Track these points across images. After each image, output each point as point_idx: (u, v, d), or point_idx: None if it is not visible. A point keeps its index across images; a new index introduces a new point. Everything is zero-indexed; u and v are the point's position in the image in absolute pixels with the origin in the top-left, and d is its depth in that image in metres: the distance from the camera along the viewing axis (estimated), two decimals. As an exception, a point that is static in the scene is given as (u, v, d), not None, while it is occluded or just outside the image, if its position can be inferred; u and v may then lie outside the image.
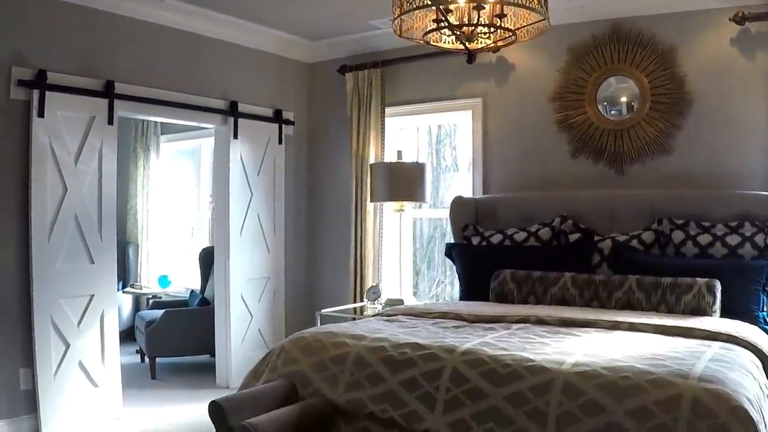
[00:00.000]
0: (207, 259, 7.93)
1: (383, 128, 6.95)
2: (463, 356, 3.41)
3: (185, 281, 9.15)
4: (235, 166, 6.78)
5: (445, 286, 7.55)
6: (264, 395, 3.54)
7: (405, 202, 6.35)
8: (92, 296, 5.64)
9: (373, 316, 4.96)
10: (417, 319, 4.52)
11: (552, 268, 5.31)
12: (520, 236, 5.76)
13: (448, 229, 6.66)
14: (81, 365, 5.56)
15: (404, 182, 6.21)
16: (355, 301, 6.91)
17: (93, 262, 5.64)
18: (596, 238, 5.49)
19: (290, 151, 7.46)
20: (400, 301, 6.22)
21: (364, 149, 6.97)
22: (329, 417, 3.56)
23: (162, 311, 7.36)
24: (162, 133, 9.38)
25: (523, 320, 4.32)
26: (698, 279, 4.67)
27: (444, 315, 4.61)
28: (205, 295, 7.73)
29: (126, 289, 8.68)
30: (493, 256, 5.69)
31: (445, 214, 7.17)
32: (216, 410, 3.35)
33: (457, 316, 4.53)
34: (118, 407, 5.82)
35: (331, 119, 7.58)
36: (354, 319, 6.00)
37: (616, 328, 4.10)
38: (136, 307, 9.08)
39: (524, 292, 5.22)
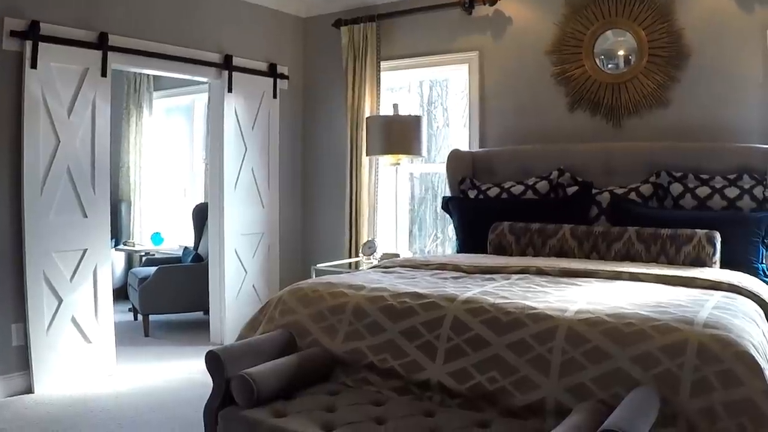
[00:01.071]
0: (200, 216, 7.83)
1: (378, 82, 6.83)
2: (464, 305, 3.34)
3: (178, 238, 9.04)
4: (229, 120, 6.66)
5: (437, 244, 7.46)
6: (262, 345, 3.46)
7: (401, 156, 6.24)
8: (85, 250, 5.54)
9: (371, 268, 4.87)
10: (415, 271, 4.44)
11: (550, 221, 5.23)
12: (518, 189, 5.67)
13: (440, 189, 6.59)
14: (74, 321, 5.48)
15: (400, 135, 6.10)
16: (350, 256, 6.84)
17: (86, 216, 5.54)
18: (594, 191, 5.39)
19: (285, 105, 7.33)
20: (396, 256, 6.12)
21: (360, 104, 6.85)
22: (328, 367, 3.49)
23: (155, 268, 7.27)
24: (155, 89, 9.24)
25: (523, 271, 4.24)
26: (698, 230, 4.60)
27: (443, 266, 4.52)
28: (198, 252, 7.64)
29: (119, 247, 8.59)
30: (490, 209, 5.61)
31: (439, 168, 7.10)
32: (213, 360, 3.27)
33: (456, 267, 4.45)
34: (111, 364, 5.75)
35: (326, 74, 7.45)
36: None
37: (617, 278, 4.02)
38: (129, 264, 9.00)
39: (522, 244, 5.15)
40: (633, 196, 5.23)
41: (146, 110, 9.18)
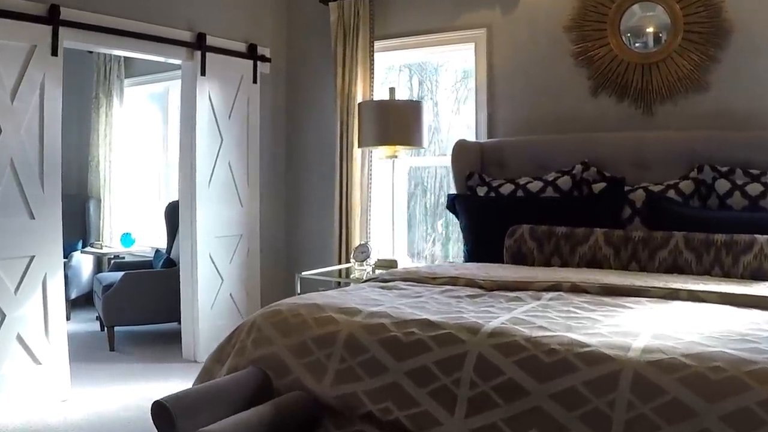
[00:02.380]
0: (173, 215, 6.99)
1: (372, 65, 6.05)
2: (492, 339, 2.53)
3: (151, 240, 8.25)
4: (202, 107, 5.84)
5: (435, 245, 6.64)
6: (226, 391, 2.64)
7: (398, 148, 5.45)
8: (32, 258, 4.72)
9: (366, 281, 4.06)
10: (420, 286, 3.65)
11: (575, 223, 4.47)
12: (535, 186, 4.90)
13: (430, 185, 5.85)
14: (20, 339, 4.66)
15: (398, 124, 5.32)
16: (340, 262, 6.05)
17: (33, 218, 4.72)
18: (626, 188, 4.61)
19: (266, 91, 6.52)
20: (393, 263, 5.35)
21: (351, 89, 6.05)
22: (313, 418, 2.68)
23: (121, 274, 6.45)
24: (126, 77, 8.39)
25: (555, 287, 3.44)
26: (758, 236, 3.83)
27: (454, 280, 3.72)
28: (171, 256, 6.83)
29: (86, 249, 7.75)
30: (504, 209, 4.84)
31: (434, 162, 6.31)
32: (161, 414, 2.44)
33: (471, 282, 3.66)
34: (65, 387, 4.94)
35: (313, 56, 6.67)
36: (339, 284, 5.21)
37: (673, 298, 3.23)
38: (98, 268, 8.16)
39: (547, 252, 4.37)
40: (672, 194, 4.45)
41: (117, 99, 8.35)
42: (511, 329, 2.57)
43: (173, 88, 8.11)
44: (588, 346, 2.38)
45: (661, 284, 3.38)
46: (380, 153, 5.68)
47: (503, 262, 4.51)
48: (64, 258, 7.60)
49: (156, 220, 8.22)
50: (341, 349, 2.76)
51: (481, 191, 5.13)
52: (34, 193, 4.71)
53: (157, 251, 7.16)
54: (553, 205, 4.74)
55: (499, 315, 2.83)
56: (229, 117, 6.07)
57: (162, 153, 8.41)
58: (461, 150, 5.39)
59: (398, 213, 6.00)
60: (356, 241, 6.01)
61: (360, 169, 6.05)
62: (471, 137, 5.73)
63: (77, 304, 7.95)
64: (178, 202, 6.85)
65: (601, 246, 4.19)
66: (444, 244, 6.55)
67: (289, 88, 6.82)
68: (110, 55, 8.23)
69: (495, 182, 5.13)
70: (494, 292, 3.47)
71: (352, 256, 5.69)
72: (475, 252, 4.87)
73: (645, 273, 3.89)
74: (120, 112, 8.37)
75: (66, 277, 7.28)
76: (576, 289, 3.40)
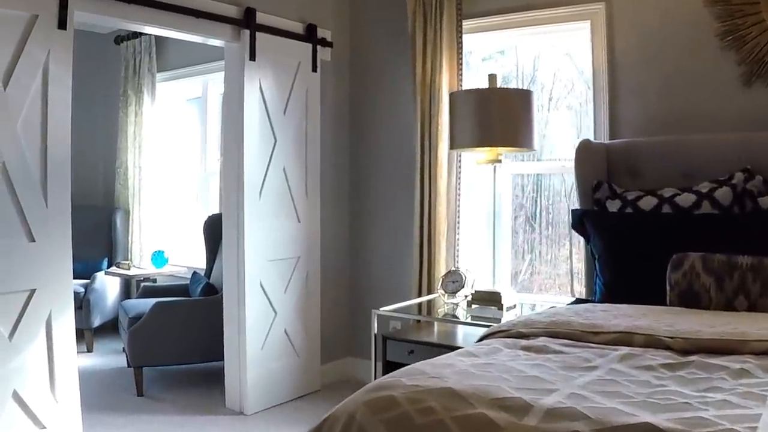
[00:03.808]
0: (214, 232, 5.98)
1: (460, 49, 4.98)
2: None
3: (187, 259, 7.25)
4: (252, 100, 4.78)
5: (533, 271, 5.48)
6: None
7: (501, 150, 4.37)
8: (32, 291, 3.69)
9: (491, 335, 2.95)
10: (583, 348, 2.56)
11: (739, 248, 3.38)
12: (686, 200, 3.80)
13: (525, 197, 4.78)
14: (17, 398, 3.64)
15: (503, 119, 4.25)
16: (420, 294, 4.97)
17: (33, 240, 3.69)
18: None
19: (327, 82, 5.47)
20: (496, 296, 4.27)
21: (435, 78, 4.98)
22: None
23: (152, 301, 5.41)
24: (159, 70, 7.38)
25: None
26: None
27: (627, 338, 2.63)
28: (210, 281, 5.77)
29: (111, 269, 6.72)
30: (650, 230, 3.75)
31: (547, 168, 5.21)
32: None
33: (652, 341, 2.57)
34: (76, 455, 3.90)
35: (383, 39, 5.60)
36: (418, 321, 4.54)
37: None
38: (125, 292, 7.14)
39: (728, 291, 3.25)
40: None
41: (147, 96, 7.34)
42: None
43: (213, 82, 7.11)
44: None
45: None
46: (476, 157, 4.61)
47: (665, 303, 3.38)
48: (86, 279, 6.76)
49: (193, 236, 7.24)
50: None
51: (612, 206, 4.05)
52: (34, 208, 3.69)
53: (195, 274, 6.11)
54: (713, 224, 3.63)
55: (752, 408, 1.75)
56: (284, 112, 5.01)
57: (200, 158, 7.36)
58: (586, 152, 4.28)
59: (500, 232, 4.88)
60: (440, 266, 4.95)
61: (446, 176, 4.98)
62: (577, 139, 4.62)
63: (101, 331, 6.92)
64: (219, 215, 5.86)
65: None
66: (550, 268, 5.39)
67: (355, 78, 5.75)
68: (140, 45, 7.25)
69: (630, 195, 4.04)
70: (692, 357, 2.39)
71: (439, 285, 4.61)
72: (613, 286, 3.77)
73: None
74: (151, 111, 7.35)
75: (87, 302, 6.33)
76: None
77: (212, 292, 5.51)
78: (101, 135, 7.91)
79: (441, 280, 4.60)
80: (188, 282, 6.16)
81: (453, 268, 4.69)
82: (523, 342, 2.70)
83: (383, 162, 5.61)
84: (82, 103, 7.59)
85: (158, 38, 7.17)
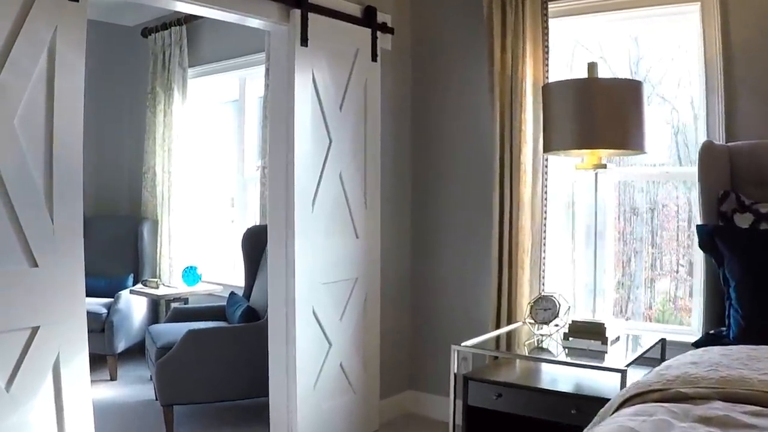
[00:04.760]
0: (254, 245, 5.38)
1: (545, 34, 4.30)
2: None
3: (222, 275, 6.62)
4: (304, 92, 4.11)
5: (629, 296, 4.75)
6: None
7: (604, 153, 3.71)
8: (35, 330, 3.01)
9: (633, 399, 2.27)
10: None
11: None
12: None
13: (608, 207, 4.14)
14: (20, 460, 2.97)
15: (610, 116, 3.57)
16: (498, 321, 4.31)
17: (36, 265, 3.02)
18: None
19: (386, 74, 4.79)
20: (599, 327, 3.59)
21: (516, 69, 4.31)
22: None
23: (183, 327, 4.77)
24: (190, 65, 6.76)
25: None
26: None
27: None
28: (250, 302, 5.12)
29: (136, 287, 6.08)
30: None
31: (643, 174, 4.51)
32: None
33: None
34: None
35: (453, 24, 4.91)
36: (496, 357, 3.91)
37: None
38: (153, 313, 6.50)
39: None
40: None
41: (178, 94, 6.72)
42: None
43: (251, 78, 6.48)
44: None
45: None
46: (573, 161, 3.93)
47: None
48: (109, 298, 6.14)
49: (229, 249, 6.64)
50: None
51: (742, 220, 3.39)
52: (36, 225, 3.03)
53: (232, 295, 5.45)
54: None
55: None
56: (341, 108, 4.35)
57: (237, 162, 6.70)
58: (710, 156, 3.60)
59: (602, 249, 4.18)
60: (523, 290, 4.29)
61: (531, 184, 4.30)
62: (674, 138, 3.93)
63: (126, 356, 6.29)
64: (259, 227, 5.31)
65: None
66: (647, 291, 4.65)
67: (418, 70, 5.08)
68: (170, 37, 6.66)
69: (762, 207, 3.36)
70: None
71: (526, 313, 3.92)
72: (757, 320, 3.07)
73: None
74: (182, 110, 6.74)
75: (111, 325, 5.73)
76: None
77: (253, 317, 4.86)
78: (127, 137, 7.36)
79: (529, 307, 3.92)
80: (224, 304, 5.50)
81: (543, 293, 3.99)
82: (696, 410, 2.03)
83: (451, 167, 4.92)
84: (106, 102, 7.20)
85: (190, 29, 6.58)
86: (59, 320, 3.08)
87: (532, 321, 3.88)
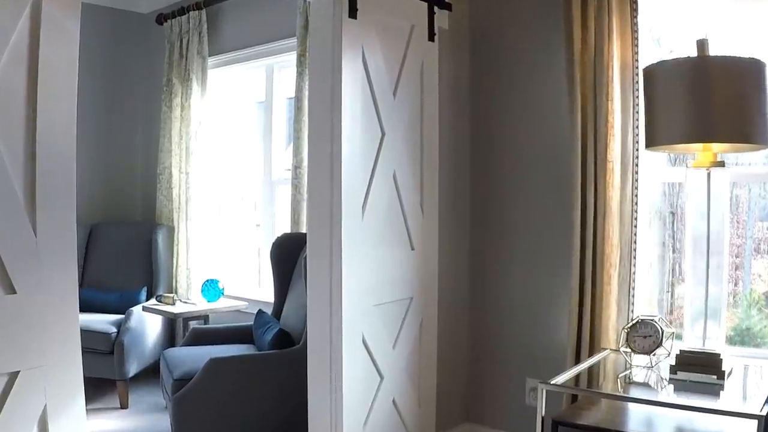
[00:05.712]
0: (285, 256, 4.81)
1: (634, 11, 3.68)
2: None
3: (248, 289, 6.03)
4: (353, 74, 3.50)
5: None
6: None
7: (722, 148, 3.12)
8: (14, 375, 2.37)
9: None
10: None
11: None
12: None
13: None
14: None
15: (729, 103, 2.97)
16: (579, 351, 3.71)
17: (13, 291, 2.36)
18: None
19: (444, 57, 4.19)
20: (713, 359, 3.02)
21: (601, 51, 3.70)
22: None
23: (204, 352, 4.19)
24: (211, 54, 6.18)
25: None
26: None
27: None
28: (282, 325, 4.52)
29: (150, 303, 5.50)
30: None
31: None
32: None
33: None
34: None
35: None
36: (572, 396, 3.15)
37: None
38: (171, 331, 5.91)
39: None
40: None
41: (197, 86, 6.15)
42: None
43: (280, 67, 5.92)
44: None
45: None
46: (655, 156, 3.30)
47: None
48: (120, 314, 5.56)
49: (255, 260, 6.07)
50: None
51: None
52: (13, 239, 2.37)
53: (261, 314, 4.85)
54: None
55: None
56: (395, 95, 3.72)
57: (263, 162, 6.10)
58: None
59: (716, 268, 3.52)
60: (610, 312, 3.69)
61: (620, 187, 3.68)
62: None
63: (139, 380, 5.70)
64: (291, 235, 4.70)
65: None
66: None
67: (478, 53, 4.48)
68: (188, 23, 6.10)
69: None
70: None
71: (622, 341, 3.31)
72: None
73: None
74: (201, 104, 6.17)
75: (121, 346, 5.15)
76: None
77: (287, 342, 4.26)
78: (141, 135, 6.84)
79: (624, 333, 3.31)
80: (251, 324, 4.89)
81: (642, 316, 3.37)
82: None
83: (518, 168, 4.30)
84: (118, 97, 6.73)
85: (210, 13, 6.03)
86: (46, 362, 2.43)
87: (628, 349, 3.28)
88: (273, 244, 4.96)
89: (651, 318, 3.31)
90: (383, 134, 3.64)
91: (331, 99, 3.45)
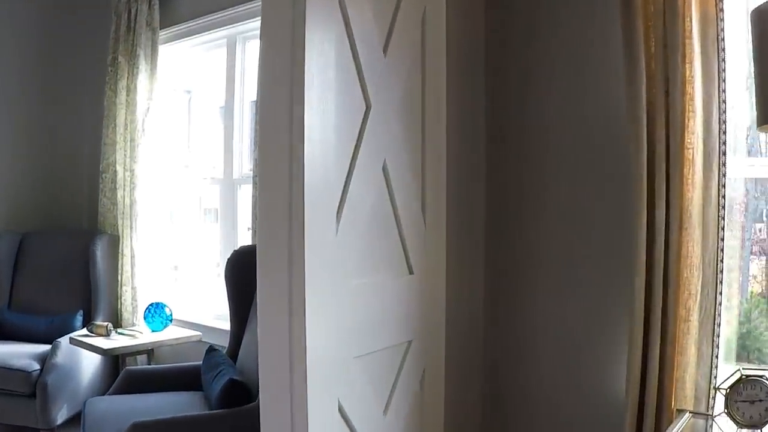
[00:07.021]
0: (243, 276, 3.82)
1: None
2: None
3: (204, 315, 5.04)
4: (324, 21, 2.39)
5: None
6: None
7: None
8: None
9: None
10: None
11: None
12: None
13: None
14: None
15: None
16: (642, 415, 2.69)
17: None
18: None
19: (455, 7, 3.10)
20: None
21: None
22: None
23: (135, 405, 3.25)
24: (162, 27, 5.25)
25: None
26: None
27: None
28: (238, 369, 3.53)
29: (78, 334, 4.52)
30: None
31: None
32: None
33: None
34: None
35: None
36: None
37: None
38: (113, 365, 4.93)
39: None
40: None
41: (145, 64, 5.23)
42: None
43: (244, 39, 5.02)
44: None
45: None
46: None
47: None
48: (46, 344, 4.58)
49: (214, 278, 5.10)
50: None
51: None
52: None
53: (211, 352, 3.82)
54: None
55: None
56: (385, 52, 2.64)
57: (222, 157, 5.15)
58: None
59: None
60: (688, 358, 2.65)
61: (702, 185, 2.64)
62: None
63: (71, 428, 4.66)
64: (251, 248, 3.68)
65: None
66: None
67: (496, 5, 3.41)
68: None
69: None
70: None
71: (723, 404, 2.33)
72: None
73: None
74: (149, 87, 5.27)
75: (44, 388, 4.23)
76: None
77: (240, 395, 3.21)
78: (86, 126, 5.87)
79: (725, 393, 2.32)
80: (200, 362, 3.88)
81: (747, 371, 2.36)
82: None
83: (554, 160, 3.24)
84: (58, 78, 5.79)
85: (161, -23, 5.06)
86: None
87: (733, 417, 2.29)
88: (228, 260, 3.96)
89: (760, 376, 2.30)
90: (368, 107, 2.52)
91: (291, 57, 2.34)
